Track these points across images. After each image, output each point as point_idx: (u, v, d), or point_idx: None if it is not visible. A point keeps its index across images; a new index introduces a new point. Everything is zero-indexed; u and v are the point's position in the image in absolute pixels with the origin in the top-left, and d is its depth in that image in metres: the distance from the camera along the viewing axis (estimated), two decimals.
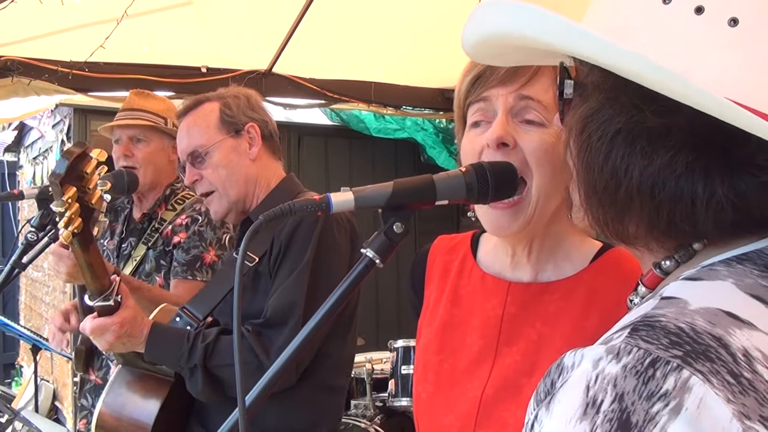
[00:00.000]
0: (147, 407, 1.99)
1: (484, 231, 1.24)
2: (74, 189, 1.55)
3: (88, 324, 1.87)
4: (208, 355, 1.92)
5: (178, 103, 3.67)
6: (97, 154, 1.63)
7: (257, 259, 2.01)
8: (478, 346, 1.23)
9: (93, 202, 1.64)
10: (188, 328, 2.03)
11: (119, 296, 1.85)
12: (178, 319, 2.07)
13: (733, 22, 0.66)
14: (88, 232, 1.66)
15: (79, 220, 1.60)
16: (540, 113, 1.13)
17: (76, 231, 1.61)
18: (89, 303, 1.82)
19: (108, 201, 1.68)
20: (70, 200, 1.55)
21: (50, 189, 1.55)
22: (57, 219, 1.60)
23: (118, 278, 1.87)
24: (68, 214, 1.57)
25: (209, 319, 2.10)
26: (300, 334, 1.06)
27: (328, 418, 2.15)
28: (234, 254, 2.10)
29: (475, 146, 1.16)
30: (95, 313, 1.86)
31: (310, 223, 1.97)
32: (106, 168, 1.66)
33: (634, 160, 0.70)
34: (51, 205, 1.55)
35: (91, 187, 1.62)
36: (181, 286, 2.68)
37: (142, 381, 2.03)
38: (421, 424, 1.30)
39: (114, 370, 2.12)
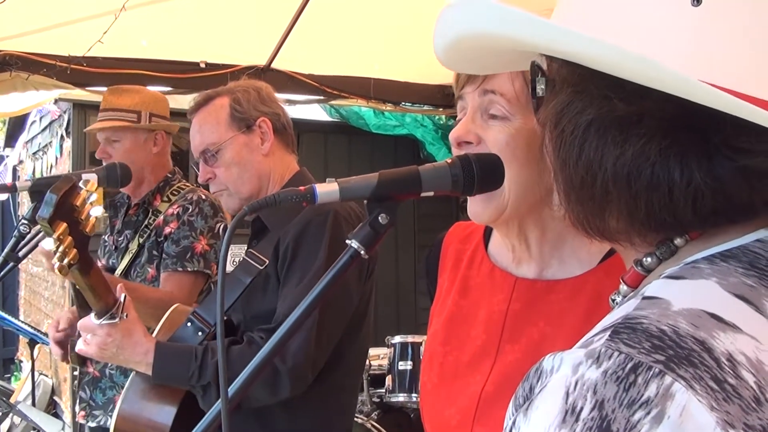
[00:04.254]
0: (163, 411, 1.95)
1: None
2: (64, 225, 1.56)
3: (81, 321, 1.86)
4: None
5: (181, 99, 3.66)
6: (87, 185, 1.63)
7: (266, 261, 1.96)
8: (481, 340, 1.22)
9: (88, 230, 1.64)
10: (199, 333, 1.98)
11: (125, 314, 1.83)
12: (189, 324, 2.02)
13: (697, 1, 0.64)
14: (86, 258, 1.66)
15: (74, 251, 1.61)
16: (503, 106, 1.12)
17: (72, 262, 1.62)
18: (96, 322, 1.81)
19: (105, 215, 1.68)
20: (61, 236, 1.56)
21: (40, 227, 1.56)
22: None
23: (123, 295, 1.86)
24: (62, 249, 1.58)
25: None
26: (280, 330, 1.05)
27: (342, 418, 2.13)
28: (244, 255, 2.04)
29: (452, 143, 1.17)
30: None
31: (319, 224, 1.91)
32: (97, 196, 1.65)
33: (607, 151, 0.68)
34: (41, 244, 1.56)
35: (83, 217, 1.61)
36: (172, 279, 2.67)
37: (157, 387, 1.96)
38: (425, 414, 1.30)
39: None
